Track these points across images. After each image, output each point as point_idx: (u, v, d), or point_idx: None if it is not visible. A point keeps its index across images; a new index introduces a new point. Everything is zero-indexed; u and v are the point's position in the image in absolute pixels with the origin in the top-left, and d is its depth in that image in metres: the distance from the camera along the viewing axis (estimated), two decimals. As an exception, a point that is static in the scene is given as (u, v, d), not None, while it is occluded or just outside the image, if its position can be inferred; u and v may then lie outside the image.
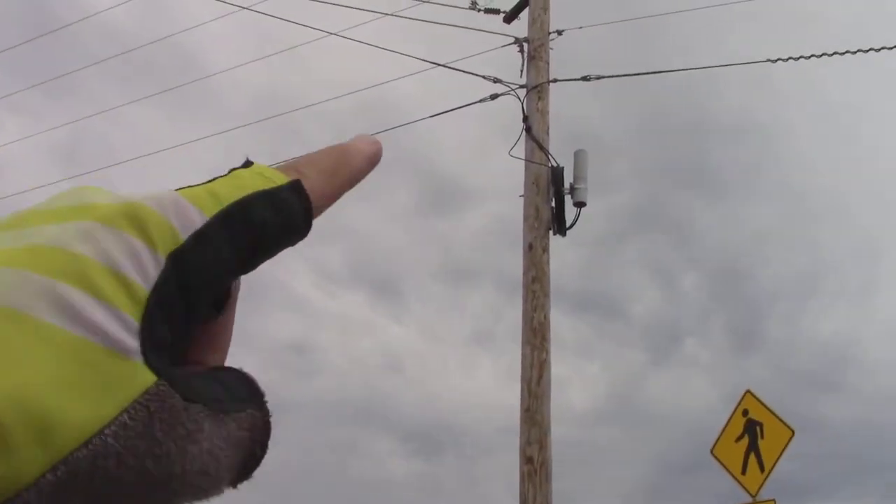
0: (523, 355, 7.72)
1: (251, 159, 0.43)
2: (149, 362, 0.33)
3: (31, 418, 0.29)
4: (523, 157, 8.29)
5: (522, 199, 8.26)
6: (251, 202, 0.39)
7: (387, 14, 9.85)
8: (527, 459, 7.33)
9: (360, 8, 9.71)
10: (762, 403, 7.71)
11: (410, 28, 9.63)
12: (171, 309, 0.35)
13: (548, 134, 8.34)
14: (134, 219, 0.36)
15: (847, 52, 7.66)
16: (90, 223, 0.35)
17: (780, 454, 7.48)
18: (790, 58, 7.84)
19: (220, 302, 0.42)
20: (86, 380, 0.31)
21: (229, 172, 0.41)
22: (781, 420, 7.58)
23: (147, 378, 0.33)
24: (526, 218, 8.18)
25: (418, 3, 9.71)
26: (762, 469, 7.46)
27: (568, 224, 8.15)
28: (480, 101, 8.71)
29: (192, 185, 0.40)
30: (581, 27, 9.08)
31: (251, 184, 0.40)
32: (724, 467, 7.64)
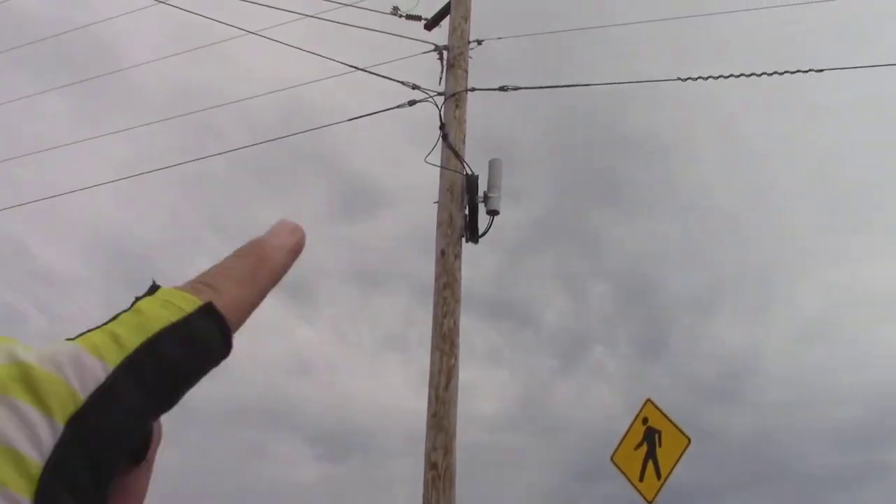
0: (432, 361, 7.76)
1: (157, 283, 0.41)
2: None
3: None
4: (439, 163, 8.35)
5: (437, 205, 8.32)
6: (158, 341, 0.37)
7: (308, 16, 9.78)
8: (431, 465, 7.36)
9: (282, 8, 9.62)
10: (661, 412, 7.94)
11: (333, 31, 9.58)
12: (72, 477, 0.33)
13: (464, 142, 8.42)
14: (27, 383, 0.34)
15: (753, 74, 7.99)
16: None
17: (677, 461, 7.71)
18: (699, 77, 8.12)
19: (141, 450, 0.39)
20: None
21: (132, 305, 0.39)
22: (679, 428, 7.82)
23: None
24: (439, 224, 8.24)
25: (341, 6, 9.69)
26: (659, 476, 7.68)
27: (481, 232, 8.24)
28: (398, 106, 8.73)
29: (92, 328, 0.38)
30: (500, 38, 9.21)
31: (157, 317, 0.38)
32: (623, 474, 7.84)
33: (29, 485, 0.32)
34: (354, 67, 9.08)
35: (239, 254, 0.42)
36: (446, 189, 8.28)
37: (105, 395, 0.35)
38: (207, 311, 0.39)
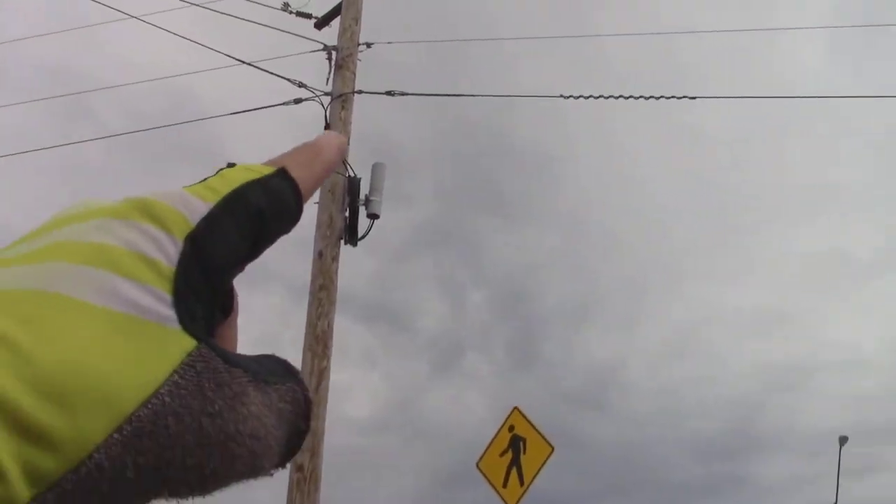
0: (303, 362, 7.69)
1: (234, 162, 0.45)
2: (187, 329, 0.36)
3: (91, 383, 0.32)
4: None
5: (317, 206, 8.25)
6: (246, 190, 0.42)
7: (196, 4, 9.53)
8: (297, 467, 7.28)
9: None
10: (527, 420, 8.12)
11: (221, 22, 9.36)
12: (196, 287, 0.38)
13: (348, 144, 8.39)
14: (144, 210, 0.38)
15: (631, 97, 8.30)
16: (103, 220, 0.38)
17: (540, 469, 7.91)
18: (580, 96, 8.38)
19: (227, 304, 0.42)
20: (133, 348, 0.34)
21: (217, 173, 0.44)
22: (543, 437, 8.02)
23: (188, 342, 0.36)
24: (319, 226, 8.18)
25: (229, -4, 9.48)
26: (522, 483, 7.85)
27: (360, 235, 8.23)
28: (283, 104, 8.62)
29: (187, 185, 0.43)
30: (390, 42, 9.23)
31: (241, 177, 0.43)
32: (488, 480, 7.97)
33: (167, 284, 0.36)
34: (240, 61, 8.91)
35: (297, 148, 0.48)
36: (328, 190, 8.23)
37: (212, 221, 0.39)
38: (284, 175, 0.45)
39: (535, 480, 7.91)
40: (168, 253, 0.37)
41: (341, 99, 8.51)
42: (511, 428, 8.09)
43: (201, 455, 0.35)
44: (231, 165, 0.45)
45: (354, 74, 8.74)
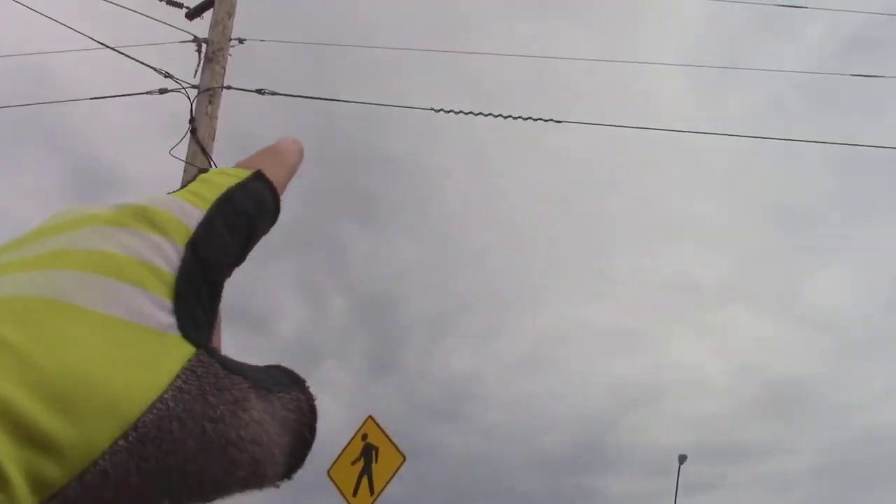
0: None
1: (205, 168, 0.45)
2: (187, 336, 0.36)
3: (96, 389, 0.32)
4: (184, 158, 8.04)
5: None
6: (233, 194, 0.42)
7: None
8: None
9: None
10: (381, 429, 8.14)
11: (86, 2, 8.93)
12: (198, 291, 0.38)
13: (213, 139, 8.18)
14: (144, 217, 0.38)
15: (500, 115, 8.50)
16: (102, 227, 0.38)
17: (390, 478, 7.94)
18: (451, 111, 8.50)
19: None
20: (135, 354, 0.34)
21: (196, 177, 0.44)
22: (395, 446, 8.06)
23: (188, 349, 0.36)
24: (177, 221, 7.91)
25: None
26: (372, 492, 7.86)
27: (221, 234, 8.01)
28: (148, 93, 8.31)
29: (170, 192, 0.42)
30: (263, 40, 9.08)
31: (224, 181, 0.43)
32: (338, 488, 7.93)
33: (168, 291, 0.36)
34: (103, 45, 8.52)
35: (260, 152, 0.48)
36: (189, 185, 7.99)
37: (208, 228, 0.40)
38: (258, 176, 0.45)
39: (386, 490, 7.93)
40: (171, 260, 0.38)
41: (209, 93, 8.29)
42: (364, 436, 8.08)
43: (203, 460, 0.35)
44: (203, 171, 0.46)
45: (224, 69, 8.53)
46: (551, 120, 8.58)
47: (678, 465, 26.71)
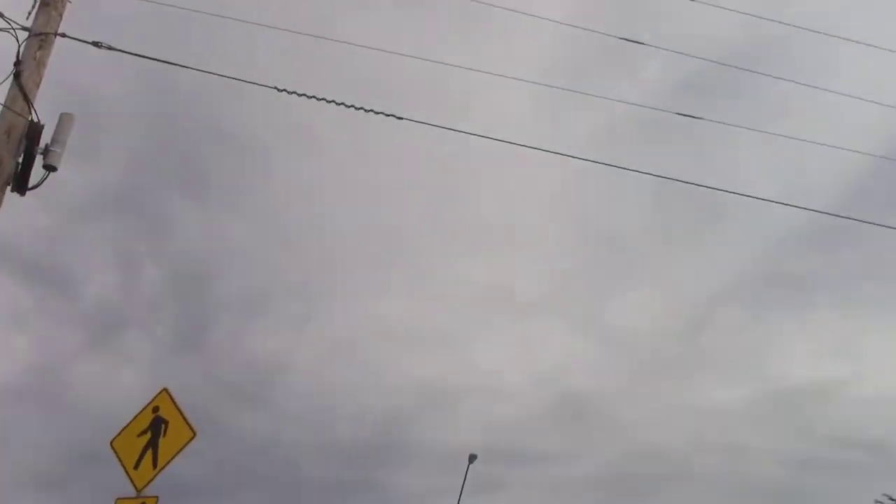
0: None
1: None
2: None
3: None
4: (2, 102, 7.67)
5: (-13, 143, 7.60)
6: None
7: None
8: None
9: None
10: (174, 403, 8.07)
11: None
12: None
13: (38, 87, 7.85)
14: None
15: (343, 104, 8.61)
16: None
17: (177, 453, 7.89)
18: (294, 92, 8.54)
19: None
20: None
21: None
22: (187, 421, 8.02)
23: None
24: (-15, 165, 7.54)
25: None
26: (155, 465, 7.78)
27: (31, 185, 7.71)
28: (-30, 24, 7.86)
29: None
30: (108, -6, 8.78)
31: None
32: (119, 460, 7.79)
33: None
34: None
35: None
36: (4, 131, 7.62)
37: None
38: None
39: (172, 465, 7.87)
40: None
41: (40, 38, 7.93)
42: (156, 409, 7.99)
43: None
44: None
45: (61, 16, 8.18)
46: (392, 115, 8.79)
47: (468, 463, 27.71)
